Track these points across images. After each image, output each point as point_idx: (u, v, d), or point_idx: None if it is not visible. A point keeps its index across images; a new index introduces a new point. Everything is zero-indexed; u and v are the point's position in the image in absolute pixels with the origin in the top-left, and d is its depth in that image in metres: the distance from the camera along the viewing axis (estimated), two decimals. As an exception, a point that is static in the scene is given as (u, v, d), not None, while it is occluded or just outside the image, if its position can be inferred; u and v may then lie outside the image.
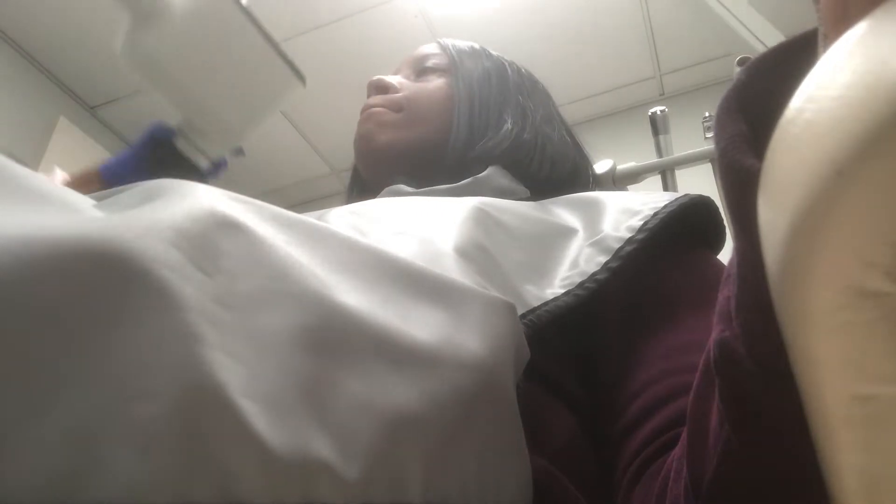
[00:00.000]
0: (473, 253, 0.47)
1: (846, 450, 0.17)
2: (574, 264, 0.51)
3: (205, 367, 0.23)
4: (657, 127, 1.38)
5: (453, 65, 0.80)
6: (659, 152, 1.37)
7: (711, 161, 1.32)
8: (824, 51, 0.19)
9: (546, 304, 0.46)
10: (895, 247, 0.16)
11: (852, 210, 0.16)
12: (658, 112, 1.39)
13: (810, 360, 0.18)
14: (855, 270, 0.16)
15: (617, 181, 1.33)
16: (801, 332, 0.18)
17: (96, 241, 0.23)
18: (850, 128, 0.16)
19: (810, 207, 0.17)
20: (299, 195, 2.94)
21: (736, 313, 0.26)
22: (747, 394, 0.26)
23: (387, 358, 0.29)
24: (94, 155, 2.83)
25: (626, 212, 0.56)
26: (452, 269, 0.42)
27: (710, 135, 1.36)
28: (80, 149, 2.78)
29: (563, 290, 0.48)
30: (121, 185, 0.34)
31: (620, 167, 1.35)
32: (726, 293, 0.27)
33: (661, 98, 2.76)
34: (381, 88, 0.79)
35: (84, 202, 0.29)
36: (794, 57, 0.27)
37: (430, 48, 0.84)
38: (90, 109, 2.85)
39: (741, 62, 1.24)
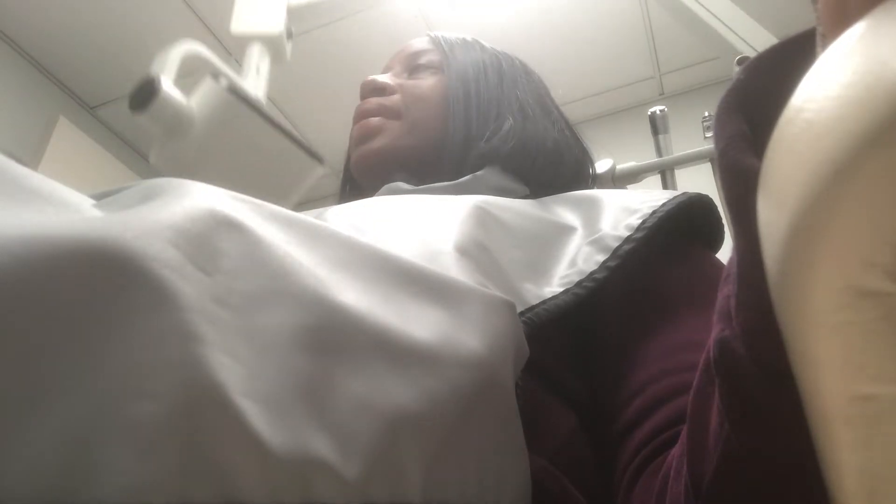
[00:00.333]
0: (474, 251, 0.47)
1: (846, 449, 0.17)
2: (573, 263, 0.51)
3: (204, 366, 0.23)
4: (657, 126, 1.38)
5: (446, 60, 0.78)
6: (658, 152, 1.37)
7: (711, 161, 1.32)
8: (823, 50, 0.19)
9: (545, 302, 0.46)
10: (894, 246, 0.16)
11: (852, 210, 0.16)
12: (657, 112, 1.38)
13: (810, 360, 0.18)
14: (855, 270, 0.16)
15: (616, 181, 1.33)
16: (800, 332, 0.18)
17: (96, 241, 0.23)
18: (850, 128, 0.16)
19: (810, 207, 0.17)
20: (299, 195, 2.91)
21: (736, 313, 0.26)
22: (747, 393, 0.26)
23: (386, 357, 0.29)
24: (94, 155, 2.83)
25: (625, 210, 0.56)
26: (453, 268, 0.42)
27: (709, 134, 1.36)
28: (80, 148, 2.78)
29: (561, 289, 0.48)
30: None
31: (620, 167, 1.35)
32: (726, 292, 0.27)
33: (661, 98, 2.76)
34: (375, 90, 0.78)
35: (84, 202, 0.29)
36: (793, 56, 0.27)
37: (422, 43, 0.82)
38: (90, 109, 2.85)
39: (740, 62, 1.23)
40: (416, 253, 0.44)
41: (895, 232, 0.16)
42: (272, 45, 1.40)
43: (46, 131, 2.65)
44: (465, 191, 0.65)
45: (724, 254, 0.43)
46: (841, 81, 0.17)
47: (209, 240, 0.27)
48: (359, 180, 0.79)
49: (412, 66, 0.80)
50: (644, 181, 1.38)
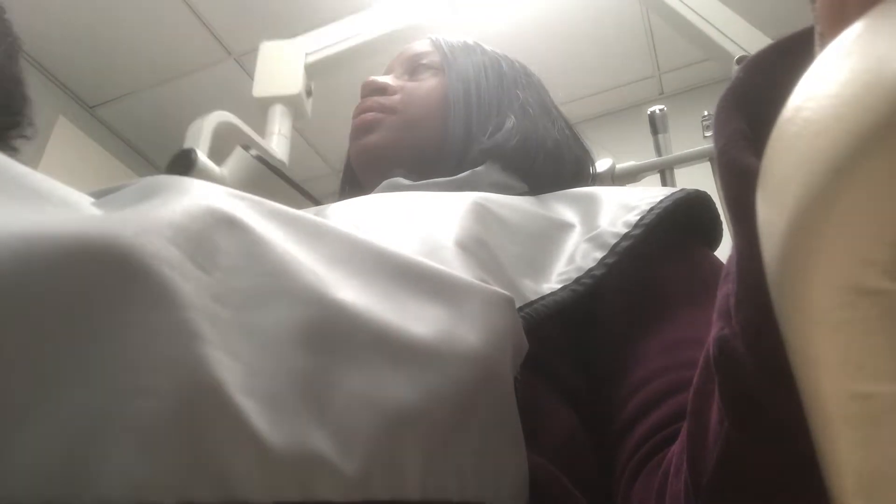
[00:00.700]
0: (473, 247, 0.47)
1: (845, 448, 0.17)
2: (571, 259, 0.51)
3: (204, 364, 0.23)
4: (656, 126, 1.38)
5: (446, 62, 0.78)
6: (658, 151, 1.37)
7: (710, 160, 1.32)
8: (821, 49, 0.19)
9: (543, 298, 0.47)
10: (893, 245, 0.16)
11: (851, 208, 0.16)
12: (657, 111, 1.39)
13: (809, 358, 0.18)
14: (854, 268, 0.16)
15: (616, 180, 1.34)
16: (799, 330, 0.18)
17: (95, 239, 0.23)
18: (849, 126, 0.16)
19: (809, 206, 0.17)
20: (299, 194, 2.92)
21: (735, 311, 0.26)
22: (747, 391, 0.26)
23: (385, 354, 0.29)
24: (94, 154, 2.83)
25: (623, 207, 0.56)
26: (453, 263, 0.43)
27: (708, 133, 1.36)
28: (79, 148, 2.78)
29: (559, 286, 0.48)
30: None
31: (619, 166, 1.35)
32: (725, 291, 0.27)
33: (660, 97, 2.76)
34: (375, 90, 0.78)
35: (83, 200, 0.29)
36: (792, 55, 0.27)
37: (423, 46, 0.82)
38: (89, 109, 2.85)
39: (739, 61, 1.24)
40: (416, 248, 0.44)
41: (894, 230, 0.16)
42: (292, 104, 1.46)
43: (46, 131, 2.64)
44: (463, 187, 0.65)
45: (724, 251, 0.43)
46: (840, 80, 0.17)
47: (208, 238, 0.27)
48: (358, 175, 0.79)
49: (413, 67, 0.81)
50: (643, 180, 1.38)
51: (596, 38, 2.53)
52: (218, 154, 1.14)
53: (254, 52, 1.60)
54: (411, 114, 0.75)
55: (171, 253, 0.24)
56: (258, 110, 1.49)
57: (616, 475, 0.45)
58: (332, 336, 0.28)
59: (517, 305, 0.42)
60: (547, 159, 0.72)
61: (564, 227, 0.56)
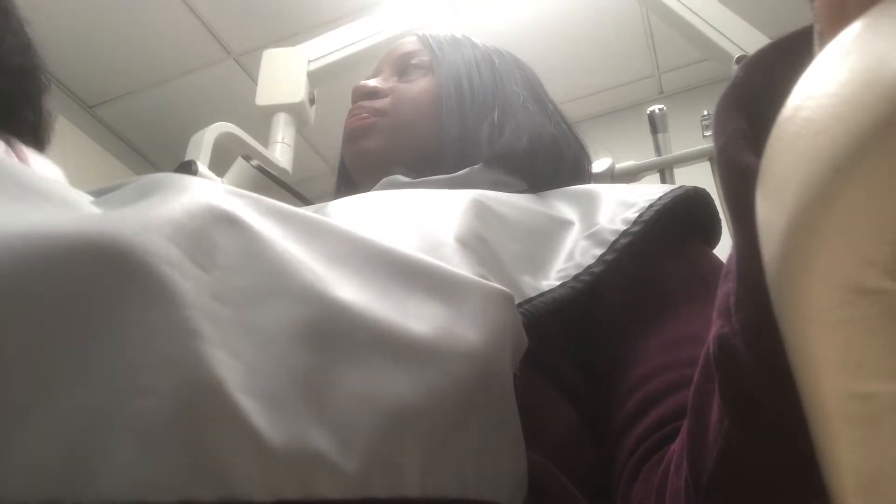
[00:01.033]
0: (474, 243, 0.47)
1: (845, 447, 0.17)
2: (570, 256, 0.51)
3: (204, 363, 0.23)
4: (656, 125, 1.38)
5: (435, 60, 0.77)
6: (657, 151, 1.37)
7: (710, 159, 1.32)
8: (820, 49, 0.19)
9: (542, 294, 0.47)
10: (893, 244, 0.16)
11: (850, 208, 0.16)
12: (657, 110, 1.39)
13: (809, 358, 0.18)
14: (853, 268, 0.16)
15: (615, 179, 1.34)
16: (799, 330, 0.18)
17: (95, 237, 0.23)
18: (848, 125, 0.16)
19: (808, 205, 0.17)
20: (298, 194, 2.91)
21: (735, 310, 0.26)
22: (747, 390, 0.26)
23: (385, 352, 0.29)
24: (93, 154, 2.83)
25: (622, 204, 0.56)
26: (454, 259, 0.43)
27: (708, 133, 1.36)
28: (79, 148, 2.78)
29: (558, 283, 0.48)
30: None
31: (619, 165, 1.35)
32: (725, 289, 0.27)
33: (660, 96, 2.76)
34: (366, 94, 0.77)
35: (82, 199, 0.29)
36: (791, 53, 0.27)
37: (411, 44, 0.81)
38: (88, 109, 2.84)
39: (739, 60, 1.23)
40: (416, 245, 0.44)
41: (894, 230, 0.16)
42: (295, 112, 1.46)
43: (45, 130, 2.64)
44: (462, 184, 0.65)
45: (723, 250, 0.43)
46: (839, 79, 0.17)
47: (207, 236, 0.27)
48: (354, 178, 0.79)
49: (402, 67, 0.80)
50: (643, 180, 1.38)
51: (595, 37, 2.53)
52: (220, 165, 1.16)
53: (253, 51, 1.60)
54: (404, 116, 0.74)
55: (170, 251, 0.24)
56: (258, 111, 1.49)
57: (616, 473, 0.46)
58: (331, 335, 0.28)
59: (516, 302, 0.42)
60: (547, 156, 0.72)
61: (563, 224, 0.56)
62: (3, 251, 0.21)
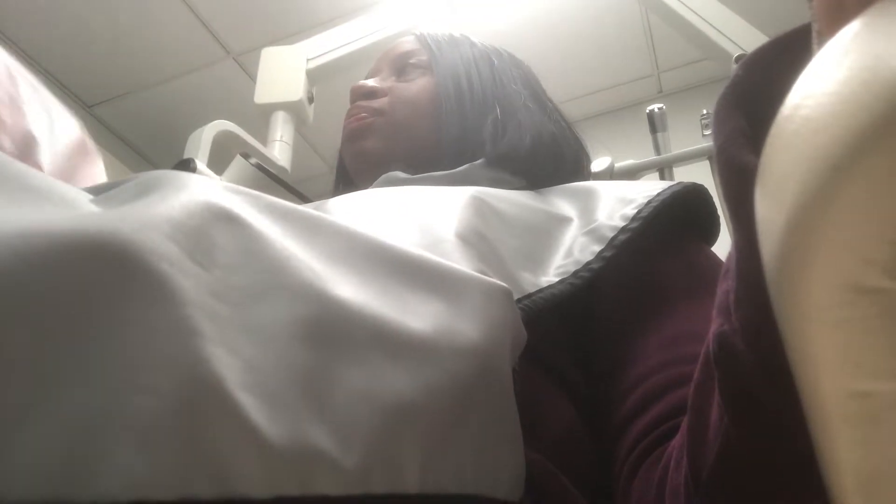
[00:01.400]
0: (473, 239, 0.47)
1: (844, 446, 0.17)
2: (569, 253, 0.51)
3: (204, 361, 0.23)
4: (655, 124, 1.38)
5: (434, 59, 0.77)
6: (657, 150, 1.38)
7: (709, 158, 1.33)
8: (819, 48, 0.19)
9: (541, 290, 0.47)
10: (893, 243, 0.16)
11: (849, 207, 0.16)
12: (656, 109, 1.39)
13: (808, 357, 0.18)
14: (852, 267, 0.16)
15: (615, 178, 1.34)
16: (798, 329, 0.18)
17: (94, 235, 0.23)
18: (847, 124, 0.16)
19: (807, 204, 0.17)
20: (298, 194, 2.91)
21: (735, 308, 0.26)
22: (746, 388, 0.26)
23: (384, 349, 0.29)
24: (92, 154, 2.83)
25: (621, 200, 0.56)
26: (454, 255, 0.43)
27: (707, 132, 1.36)
28: (78, 148, 2.77)
29: (557, 279, 0.48)
30: None
31: (619, 164, 1.35)
32: (725, 287, 0.27)
33: (660, 95, 2.76)
34: (364, 95, 0.77)
35: (82, 197, 0.29)
36: (790, 52, 0.27)
37: (409, 43, 0.81)
38: (88, 108, 2.84)
39: (738, 59, 1.23)
40: (416, 241, 0.44)
41: (893, 229, 0.16)
42: (294, 110, 1.46)
43: (44, 130, 2.64)
44: (461, 181, 0.65)
45: (722, 247, 0.43)
46: (838, 78, 0.17)
47: (206, 234, 0.27)
48: (353, 177, 0.79)
49: (400, 67, 0.79)
50: (642, 179, 1.38)
51: (595, 37, 2.53)
52: (219, 163, 1.16)
53: (253, 51, 1.60)
54: (402, 116, 0.74)
55: (169, 249, 0.24)
56: (257, 110, 1.49)
57: (615, 470, 0.46)
58: (330, 332, 0.28)
59: (515, 298, 0.42)
60: (547, 153, 0.72)
61: (562, 221, 0.56)
62: (3, 250, 0.21)
